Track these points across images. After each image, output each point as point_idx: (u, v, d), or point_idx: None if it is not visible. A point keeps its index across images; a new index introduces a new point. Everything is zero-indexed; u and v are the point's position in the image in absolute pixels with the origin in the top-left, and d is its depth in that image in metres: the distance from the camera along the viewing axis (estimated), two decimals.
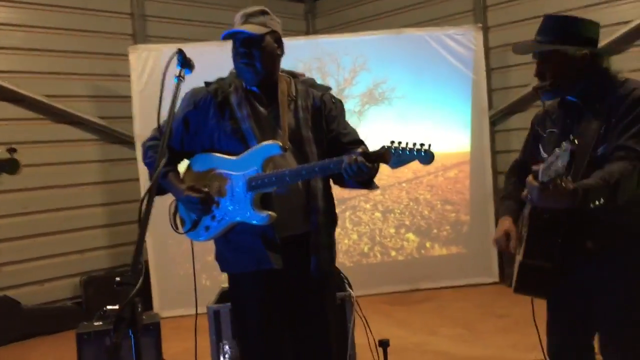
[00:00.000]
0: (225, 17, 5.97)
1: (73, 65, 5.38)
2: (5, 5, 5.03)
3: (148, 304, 5.10)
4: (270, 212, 2.21)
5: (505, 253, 2.36)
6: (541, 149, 2.26)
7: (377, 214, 5.62)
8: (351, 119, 5.47)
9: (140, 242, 1.53)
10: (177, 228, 2.37)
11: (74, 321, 3.92)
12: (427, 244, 5.65)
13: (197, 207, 2.25)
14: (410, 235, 5.64)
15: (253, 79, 2.29)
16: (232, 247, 2.33)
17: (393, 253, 5.63)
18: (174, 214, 2.38)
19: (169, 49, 5.37)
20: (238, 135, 2.27)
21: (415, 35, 5.50)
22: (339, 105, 2.45)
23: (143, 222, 1.56)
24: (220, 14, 6.04)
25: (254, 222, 2.22)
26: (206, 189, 2.26)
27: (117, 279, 1.43)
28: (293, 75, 2.47)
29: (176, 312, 4.81)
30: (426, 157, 2.00)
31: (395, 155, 2.03)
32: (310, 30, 7.07)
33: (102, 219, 5.54)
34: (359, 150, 2.09)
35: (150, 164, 2.37)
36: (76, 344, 3.05)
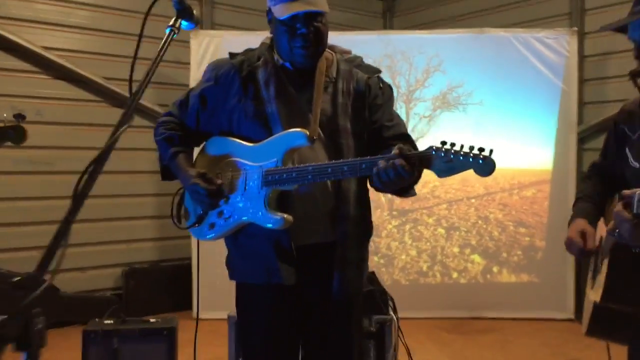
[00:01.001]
0: None
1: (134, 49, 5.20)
2: None
3: (187, 304, 4.85)
4: (285, 215, 1.82)
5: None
6: (629, 155, 1.78)
7: (441, 230, 5.11)
8: (420, 124, 5.07)
9: (60, 233, 1.18)
10: (179, 221, 2.02)
11: (111, 313, 3.71)
12: (494, 269, 5.09)
13: (203, 200, 1.89)
14: (476, 257, 5.10)
15: (309, 62, 1.92)
16: (241, 253, 1.96)
17: (455, 275, 5.11)
18: (179, 204, 2.03)
19: (233, 35, 5.17)
20: (261, 119, 1.90)
21: (499, 36, 4.97)
22: (387, 91, 2.03)
23: (76, 200, 1.21)
24: None
25: (265, 224, 1.84)
26: (219, 181, 1.89)
27: (15, 279, 1.08)
28: (336, 51, 2.07)
29: (217, 315, 4.52)
30: (485, 166, 1.57)
31: (444, 160, 1.60)
32: (387, 29, 6.66)
33: (151, 210, 5.34)
34: (396, 149, 1.67)
35: (160, 142, 2.03)
36: (82, 342, 2.77)
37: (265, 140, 1.88)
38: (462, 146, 1.61)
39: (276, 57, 1.96)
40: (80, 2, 4.96)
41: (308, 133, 1.82)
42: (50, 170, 4.86)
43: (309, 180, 1.78)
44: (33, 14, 4.71)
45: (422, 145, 5.03)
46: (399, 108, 4.92)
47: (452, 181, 5.12)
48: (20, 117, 2.20)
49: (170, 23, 1.55)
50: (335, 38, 5.00)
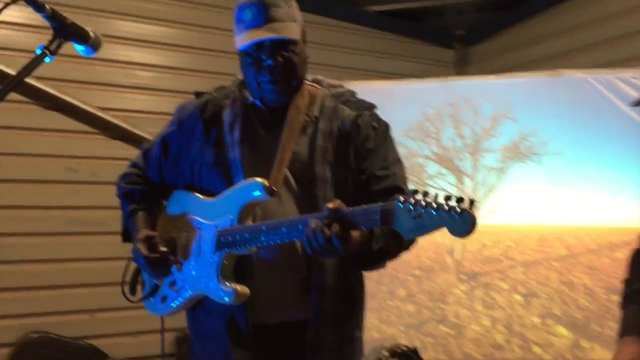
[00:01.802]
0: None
1: None
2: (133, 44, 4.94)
3: None
4: (238, 286, 1.49)
5: None
6: None
7: (517, 297, 4.51)
8: (489, 177, 4.57)
9: None
10: (133, 292, 1.73)
11: None
12: (584, 344, 4.39)
13: (146, 269, 1.60)
14: (561, 329, 4.43)
15: (282, 99, 1.63)
16: (197, 332, 1.64)
17: (537, 349, 4.45)
18: (137, 271, 1.75)
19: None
20: (221, 168, 1.61)
21: (576, 78, 4.44)
22: (380, 132, 1.68)
23: None
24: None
25: (218, 298, 1.51)
26: (163, 248, 1.60)
27: None
28: (323, 85, 1.75)
29: None
30: (462, 223, 1.19)
31: (412, 215, 1.22)
32: None
33: None
34: (332, 203, 1.32)
35: (120, 199, 1.78)
36: None
37: (222, 194, 1.58)
38: (436, 195, 1.23)
39: (246, 94, 1.68)
40: (137, 62, 4.97)
41: (266, 183, 1.49)
42: (106, 230, 4.80)
43: (262, 243, 1.45)
44: (90, 75, 4.75)
45: (491, 201, 4.39)
46: (464, 160, 4.48)
47: (528, 241, 4.56)
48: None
49: (45, 43, 1.31)
50: (392, 87, 4.61)
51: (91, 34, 1.37)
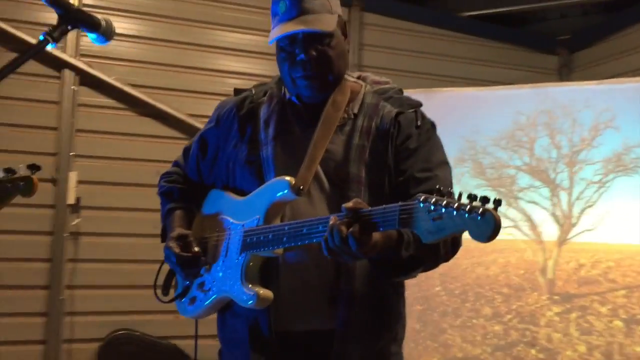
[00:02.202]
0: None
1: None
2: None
3: None
4: (261, 290, 1.41)
5: None
6: None
7: (618, 323, 4.11)
8: (587, 191, 4.23)
9: None
10: (166, 293, 1.70)
11: None
12: None
13: (176, 269, 1.56)
14: None
15: (318, 96, 1.55)
16: (225, 337, 1.59)
17: None
18: (170, 272, 1.72)
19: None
20: (253, 166, 1.55)
21: None
22: (424, 131, 1.55)
23: None
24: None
25: (241, 301, 1.44)
26: (196, 248, 1.55)
27: None
28: (367, 82, 1.64)
29: None
30: (483, 224, 1.05)
31: (432, 216, 1.09)
32: None
33: None
34: (350, 202, 1.20)
35: (160, 198, 1.77)
36: None
37: (252, 192, 1.51)
38: (459, 195, 1.09)
39: (284, 90, 1.61)
40: (227, 70, 5.04)
41: (293, 182, 1.41)
42: None
43: (284, 244, 1.37)
44: (180, 83, 4.85)
45: (589, 218, 4.03)
46: (559, 172, 4.16)
47: (632, 262, 4.14)
48: (34, 167, 2.10)
49: (49, 29, 1.28)
50: (481, 93, 4.35)
51: (102, 22, 1.34)
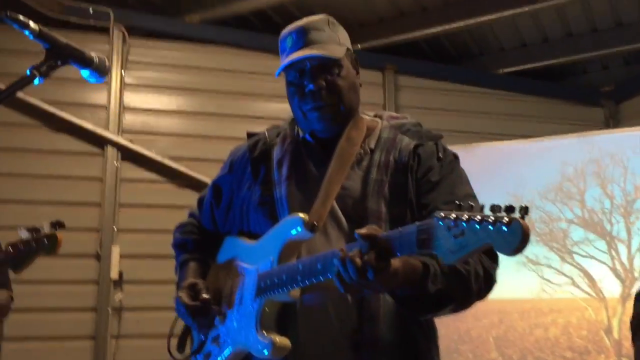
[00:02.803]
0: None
1: None
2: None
3: None
4: (276, 338, 1.30)
5: None
6: None
7: None
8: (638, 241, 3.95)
9: None
10: (181, 348, 1.60)
11: None
12: None
13: (187, 320, 1.48)
14: None
15: (331, 128, 1.50)
16: None
17: None
18: (186, 328, 1.63)
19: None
20: (266, 207, 1.48)
21: None
22: (446, 164, 1.46)
23: None
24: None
25: (258, 352, 1.34)
26: (205, 295, 1.47)
27: None
28: (384, 117, 1.58)
29: None
30: (510, 235, 0.94)
31: (453, 233, 1.00)
32: None
33: None
34: (365, 228, 1.10)
35: (174, 250, 1.71)
36: None
37: (266, 234, 1.44)
38: (481, 207, 0.99)
39: (297, 129, 1.56)
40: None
41: (306, 218, 1.33)
42: None
43: (299, 283, 1.27)
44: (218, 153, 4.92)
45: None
46: (615, 223, 3.93)
47: None
48: (57, 225, 2.09)
49: (36, 63, 1.25)
50: (524, 146, 4.23)
51: (95, 58, 1.32)
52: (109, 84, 4.37)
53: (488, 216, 0.98)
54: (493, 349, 4.06)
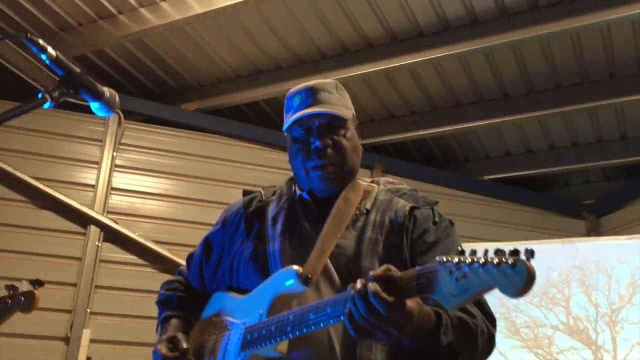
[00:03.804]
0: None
1: None
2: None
3: None
4: None
5: None
6: None
7: None
8: (633, 354, 3.89)
9: None
10: None
11: None
12: None
13: None
14: None
15: (331, 189, 1.51)
16: None
17: None
18: None
19: None
20: (258, 261, 1.45)
21: None
22: (442, 228, 1.47)
23: None
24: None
25: None
26: (184, 345, 1.41)
27: None
28: (380, 183, 1.61)
29: None
30: (515, 276, 0.93)
31: (455, 276, 0.99)
32: None
33: None
34: (378, 270, 1.08)
35: (158, 306, 1.66)
36: None
37: (256, 288, 1.40)
38: (485, 252, 0.99)
39: (294, 188, 1.57)
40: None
41: (300, 271, 1.30)
42: None
43: (288, 335, 1.22)
44: None
45: None
46: (600, 332, 3.88)
47: None
48: (36, 283, 2.02)
49: (49, 88, 1.26)
50: (505, 249, 4.29)
51: (106, 92, 1.34)
52: (99, 165, 4.39)
53: (492, 258, 0.97)
54: None
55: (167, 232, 4.44)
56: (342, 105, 1.52)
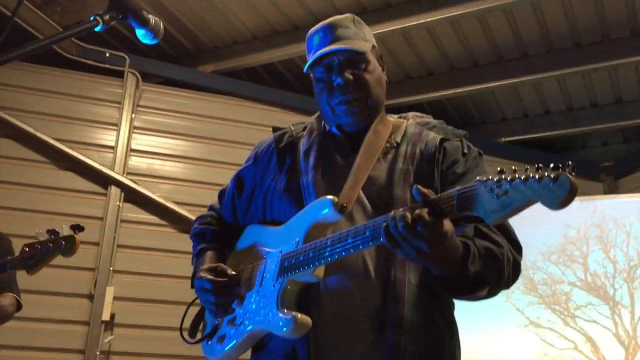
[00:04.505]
0: None
1: None
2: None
3: None
4: (297, 315, 1.27)
5: None
6: None
7: None
8: None
9: None
10: (193, 335, 1.55)
11: None
12: None
13: (209, 299, 1.44)
14: None
15: (358, 122, 1.53)
16: None
17: None
18: (199, 314, 1.59)
19: None
20: (293, 193, 1.48)
21: None
22: (471, 159, 1.49)
23: None
24: None
25: (277, 330, 1.30)
26: (231, 271, 1.45)
27: None
28: (409, 117, 1.63)
29: None
30: (557, 189, 0.95)
31: (497, 193, 1.01)
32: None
33: None
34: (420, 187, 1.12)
35: (192, 240, 1.70)
36: None
37: (291, 218, 1.43)
38: (526, 169, 1.01)
39: (324, 124, 1.59)
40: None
41: (336, 200, 1.33)
42: None
43: (327, 259, 1.25)
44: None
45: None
46: (618, 288, 3.90)
47: None
48: (77, 228, 2.07)
49: (100, 12, 1.28)
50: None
51: (152, 19, 1.36)
52: (118, 126, 4.43)
53: (534, 174, 0.99)
54: None
55: (186, 194, 4.49)
56: (361, 39, 1.53)
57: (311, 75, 1.56)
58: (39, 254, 2.05)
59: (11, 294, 2.46)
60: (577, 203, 4.26)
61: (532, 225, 4.11)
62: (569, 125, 5.27)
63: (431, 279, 1.29)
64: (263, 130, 4.74)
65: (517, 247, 1.40)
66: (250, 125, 4.75)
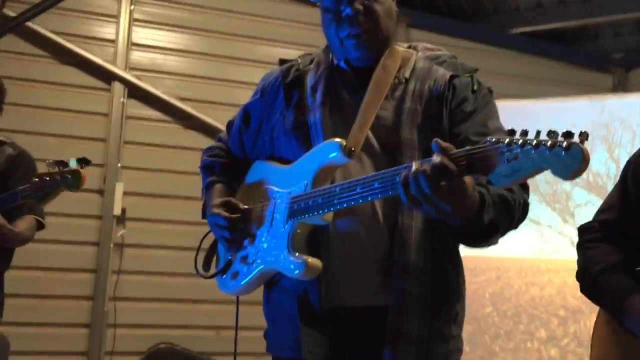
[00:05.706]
0: None
1: None
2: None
3: None
4: (308, 258, 1.32)
5: None
6: None
7: None
8: None
9: None
10: (207, 269, 1.62)
11: None
12: None
13: (224, 234, 1.50)
14: None
15: (367, 57, 1.49)
16: (271, 315, 1.51)
17: None
18: (212, 247, 1.65)
19: None
20: (300, 132, 1.47)
21: None
22: (481, 96, 1.47)
23: None
24: None
25: (288, 272, 1.36)
26: (245, 206, 1.49)
27: None
28: (419, 49, 1.57)
29: None
30: (568, 158, 0.95)
31: (507, 157, 1.01)
32: None
33: None
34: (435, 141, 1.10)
35: (201, 172, 1.72)
36: None
37: (300, 159, 1.44)
38: (537, 133, 1.00)
39: (331, 57, 1.55)
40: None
41: (344, 143, 1.33)
42: None
43: (335, 206, 1.28)
44: (225, 96, 4.85)
45: None
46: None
47: None
48: (83, 161, 2.08)
49: None
50: (532, 106, 4.21)
51: None
52: (117, 18, 4.30)
53: (545, 141, 0.98)
54: (488, 305, 4.13)
55: (190, 89, 4.44)
56: None
57: (319, 4, 1.50)
58: (47, 187, 2.07)
59: (32, 215, 2.50)
60: (585, 102, 4.24)
61: (537, 125, 4.09)
62: (583, 15, 5.10)
63: (444, 228, 1.31)
64: (271, 24, 4.60)
65: (526, 188, 1.42)
66: (257, 18, 4.61)
